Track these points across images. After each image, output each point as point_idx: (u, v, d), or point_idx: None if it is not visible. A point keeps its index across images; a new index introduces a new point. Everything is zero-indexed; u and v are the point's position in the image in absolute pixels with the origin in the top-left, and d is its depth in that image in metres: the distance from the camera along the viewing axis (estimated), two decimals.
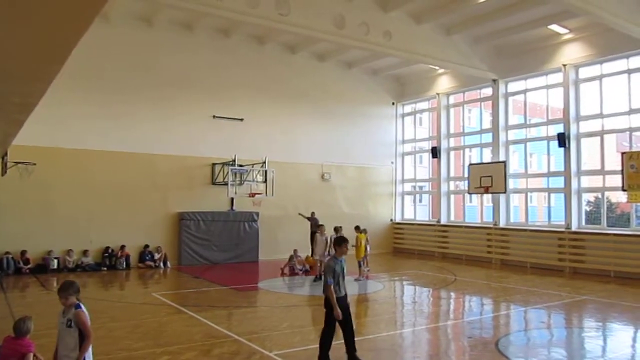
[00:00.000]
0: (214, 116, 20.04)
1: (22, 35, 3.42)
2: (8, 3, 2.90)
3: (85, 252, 17.33)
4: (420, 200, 26.70)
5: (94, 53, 16.07)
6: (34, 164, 16.27)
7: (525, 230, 19.83)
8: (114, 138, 17.95)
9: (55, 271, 16.57)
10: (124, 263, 17.75)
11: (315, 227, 16.94)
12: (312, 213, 19.27)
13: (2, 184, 16.00)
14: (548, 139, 19.77)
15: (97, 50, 16.27)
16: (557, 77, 19.11)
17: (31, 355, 5.49)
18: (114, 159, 17.93)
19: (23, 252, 16.40)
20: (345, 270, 7.48)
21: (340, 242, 7.44)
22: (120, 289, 14.90)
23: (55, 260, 16.79)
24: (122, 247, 17.91)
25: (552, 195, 21.02)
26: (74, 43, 3.55)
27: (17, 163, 15.78)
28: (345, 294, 7.40)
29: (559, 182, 19.16)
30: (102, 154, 17.75)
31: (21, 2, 2.91)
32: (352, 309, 12.47)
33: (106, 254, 17.69)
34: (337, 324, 7.24)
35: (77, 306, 5.17)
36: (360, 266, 16.07)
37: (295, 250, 17.74)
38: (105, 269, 17.30)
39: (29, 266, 16.38)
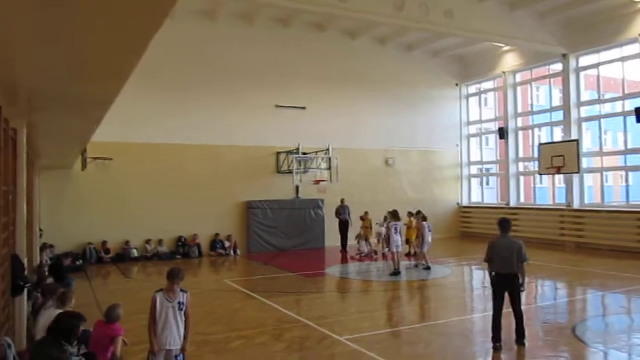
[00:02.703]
0: (276, 105, 20.33)
1: (101, 30, 3.61)
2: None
3: (160, 242, 18.16)
4: (488, 183, 26.04)
5: (159, 49, 16.56)
6: (111, 159, 17.20)
7: (601, 211, 18.93)
8: (182, 131, 18.59)
9: (134, 260, 17.46)
10: (197, 251, 18.45)
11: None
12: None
13: (83, 178, 17.01)
14: (624, 114, 18.71)
15: (161, 47, 16.80)
16: (633, 48, 18.01)
17: (120, 339, 5.88)
18: (182, 151, 18.60)
19: (104, 242, 17.39)
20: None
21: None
22: (193, 276, 15.51)
23: (134, 250, 17.69)
24: (194, 236, 18.61)
25: (630, 174, 19.92)
26: (150, 35, 3.72)
27: (95, 158, 16.73)
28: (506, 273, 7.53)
29: (638, 159, 18.13)
30: (171, 147, 18.44)
31: None
32: (421, 294, 12.47)
33: (179, 243, 18.45)
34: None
35: (184, 290, 5.59)
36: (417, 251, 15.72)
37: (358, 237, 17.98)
38: (179, 257, 18.05)
39: (109, 255, 17.34)
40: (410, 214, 16.69)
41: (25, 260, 7.15)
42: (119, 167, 17.45)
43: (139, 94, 16.90)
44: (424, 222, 15.11)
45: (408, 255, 16.61)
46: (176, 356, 5.45)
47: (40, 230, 14.01)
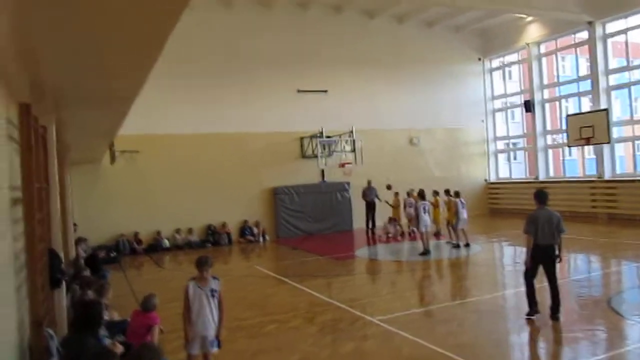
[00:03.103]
0: (298, 90, 20.30)
1: (122, 25, 3.64)
2: None
3: (190, 231, 18.42)
4: (515, 158, 25.65)
5: (180, 40, 16.63)
6: (138, 152, 17.44)
7: (634, 181, 18.49)
8: (205, 121, 18.73)
9: (166, 250, 17.78)
10: (226, 239, 18.69)
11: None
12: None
13: (111, 172, 17.32)
14: None
15: (182, 37, 16.80)
16: None
17: (157, 327, 6.01)
18: (207, 140, 18.75)
19: (136, 234, 17.73)
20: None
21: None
22: (224, 263, 15.73)
23: (166, 240, 18.00)
24: (224, 224, 18.84)
25: None
26: (170, 27, 3.74)
27: (122, 152, 16.99)
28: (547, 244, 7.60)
29: None
30: (196, 137, 18.61)
31: None
32: (452, 273, 12.42)
33: (209, 231, 18.70)
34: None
35: (216, 277, 5.65)
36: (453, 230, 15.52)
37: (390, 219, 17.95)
38: (209, 245, 18.30)
39: (142, 246, 17.69)
40: (436, 192, 16.61)
41: (62, 254, 7.34)
42: (146, 159, 17.72)
43: (161, 86, 16.97)
44: (457, 199, 14.93)
45: (436, 234, 16.55)
46: (211, 342, 5.54)
47: (75, 224, 14.33)
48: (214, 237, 18.68)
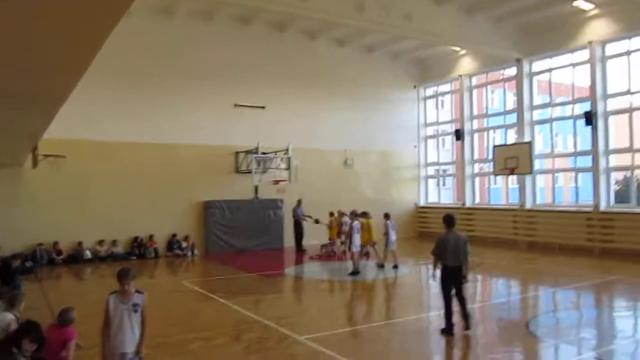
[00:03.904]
0: (236, 105, 20.14)
1: (56, 24, 3.50)
2: None
3: (115, 242, 17.70)
4: (444, 184, 26.53)
5: (117, 46, 16.12)
6: (64, 157, 16.65)
7: (552, 211, 19.58)
8: (140, 129, 18.19)
9: (87, 261, 16.96)
10: (153, 252, 18.09)
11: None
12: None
13: (34, 176, 16.41)
14: (574, 117, 19.40)
15: (120, 43, 16.32)
16: (583, 55, 18.69)
17: (74, 342, 5.69)
18: (140, 149, 18.19)
19: (55, 243, 16.82)
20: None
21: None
22: (150, 277, 15.20)
23: (88, 251, 17.19)
24: (151, 236, 18.24)
25: (580, 175, 20.69)
26: (107, 32, 3.63)
27: (47, 156, 16.16)
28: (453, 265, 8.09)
29: (586, 161, 18.83)
30: (128, 145, 18.02)
31: None
32: (380, 293, 12.59)
33: (135, 244, 18.04)
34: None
35: (140, 292, 5.38)
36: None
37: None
38: (134, 258, 17.63)
39: (61, 257, 16.79)
40: (363, 214, 16.50)
41: None
42: (73, 166, 16.89)
43: (96, 90, 16.44)
44: (388, 221, 15.22)
45: (365, 255, 16.75)
46: (131, 359, 5.30)
47: None
48: (140, 249, 18.02)
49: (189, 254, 18.66)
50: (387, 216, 15.39)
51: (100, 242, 17.48)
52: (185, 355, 7.40)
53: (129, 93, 17.97)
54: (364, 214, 15.25)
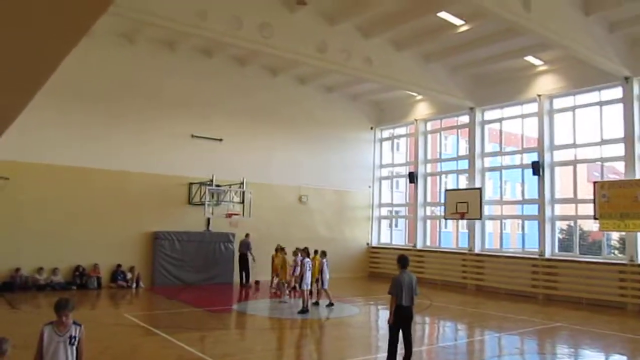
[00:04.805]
0: (192, 135, 19.94)
1: (12, 42, 3.39)
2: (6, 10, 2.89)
3: (54, 271, 16.91)
4: (397, 225, 26.82)
5: (72, 67, 15.91)
6: (7, 179, 15.97)
7: (499, 256, 20.04)
8: (89, 154, 17.69)
9: (23, 289, 16.09)
10: (95, 282, 17.36)
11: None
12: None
13: None
14: (522, 167, 20.15)
15: (78, 66, 16.10)
16: (532, 107, 19.58)
17: None
18: (88, 175, 17.64)
19: None
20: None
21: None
22: (91, 309, 14.56)
23: (24, 278, 16.33)
24: (95, 265, 17.54)
25: (526, 223, 21.35)
26: (64, 53, 3.54)
27: None
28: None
29: (533, 209, 19.49)
30: (76, 170, 17.46)
31: (20, 9, 2.90)
32: (329, 333, 12.45)
33: (77, 273, 17.28)
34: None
35: (78, 323, 5.10)
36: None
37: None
38: (75, 288, 16.87)
39: None
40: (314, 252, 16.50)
41: None
42: (15, 188, 16.15)
43: (45, 111, 16.03)
44: (324, 259, 15.21)
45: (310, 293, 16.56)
46: None
47: None
48: (81, 279, 17.27)
49: (134, 285, 18.01)
50: (323, 254, 15.35)
51: (39, 270, 16.67)
52: None
53: (83, 117, 17.55)
54: (324, 253, 15.33)
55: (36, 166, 16.71)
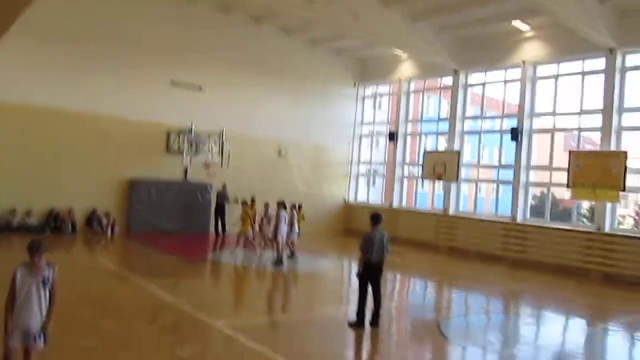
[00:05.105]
0: (172, 82, 19.53)
1: None
2: None
3: (28, 213, 16.76)
4: (374, 183, 27.01)
5: (55, 10, 15.45)
6: None
7: (473, 219, 20.41)
8: (64, 95, 17.19)
9: None
10: (70, 226, 17.27)
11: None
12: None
13: None
14: (502, 132, 20.28)
15: (59, 8, 15.58)
16: (516, 73, 19.55)
17: None
18: (63, 117, 17.24)
19: None
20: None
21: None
22: (65, 253, 14.54)
23: None
24: (70, 210, 17.40)
25: (501, 187, 21.70)
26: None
27: None
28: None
29: (508, 175, 19.76)
30: (55, 112, 17.03)
31: None
32: (302, 285, 12.70)
33: (51, 216, 17.15)
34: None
35: (51, 264, 5.07)
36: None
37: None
38: (49, 231, 16.77)
39: None
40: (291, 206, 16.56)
41: None
42: None
43: (27, 54, 15.61)
44: (294, 211, 15.25)
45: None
46: (36, 336, 5.02)
47: None
48: (56, 222, 17.16)
49: (109, 231, 17.96)
50: (295, 207, 15.44)
51: (12, 212, 16.50)
52: (96, 335, 7.13)
53: (60, 58, 16.98)
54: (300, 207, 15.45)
55: (6, 106, 16.22)
